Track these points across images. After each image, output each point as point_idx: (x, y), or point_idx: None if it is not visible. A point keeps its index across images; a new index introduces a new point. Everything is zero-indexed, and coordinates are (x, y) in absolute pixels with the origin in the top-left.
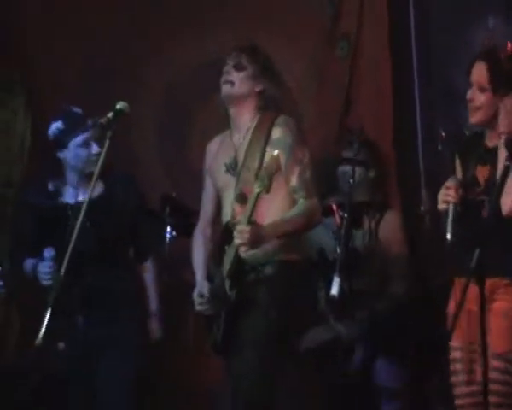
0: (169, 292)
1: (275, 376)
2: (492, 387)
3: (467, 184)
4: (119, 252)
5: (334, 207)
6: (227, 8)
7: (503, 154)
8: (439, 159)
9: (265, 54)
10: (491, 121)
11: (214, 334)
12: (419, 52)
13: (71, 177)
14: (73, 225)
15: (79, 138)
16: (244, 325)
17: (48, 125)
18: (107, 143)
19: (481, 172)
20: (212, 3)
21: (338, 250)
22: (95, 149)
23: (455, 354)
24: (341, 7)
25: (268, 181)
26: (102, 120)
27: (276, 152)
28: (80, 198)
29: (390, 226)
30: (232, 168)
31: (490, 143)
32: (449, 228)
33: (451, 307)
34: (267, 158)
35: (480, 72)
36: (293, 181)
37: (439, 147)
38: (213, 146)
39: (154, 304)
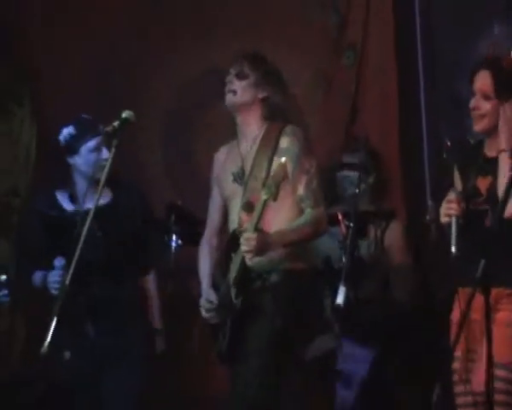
0: (174, 301)
1: (280, 384)
2: (497, 397)
3: (468, 195)
4: (126, 262)
5: (340, 217)
6: (233, 18)
7: (505, 163)
8: (445, 168)
9: (268, 60)
10: (496, 129)
11: (220, 343)
12: (425, 61)
13: (80, 184)
14: (81, 234)
15: (91, 143)
16: (249, 333)
17: (53, 135)
18: (112, 151)
19: (483, 183)
20: (218, 13)
21: (344, 259)
22: (105, 154)
23: (455, 365)
24: (347, 16)
25: (275, 189)
26: (108, 129)
27: (283, 159)
28: (89, 206)
29: (393, 235)
30: (239, 177)
31: (489, 152)
32: (453, 241)
33: (455, 314)
34: (274, 166)
35: (484, 80)
36: (301, 190)
37: (445, 156)
38: (221, 155)
39: (157, 315)
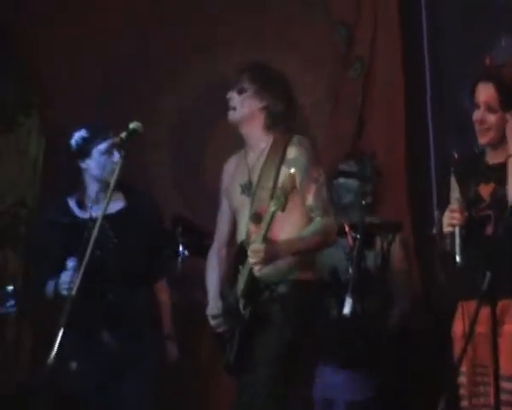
0: (179, 311)
1: (287, 394)
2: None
3: (469, 202)
4: (140, 269)
5: (347, 228)
6: (241, 32)
7: None
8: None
9: (269, 69)
10: (502, 140)
11: (227, 354)
12: (432, 74)
13: (92, 189)
14: (94, 240)
15: (102, 146)
16: (257, 344)
17: (59, 144)
18: (120, 162)
19: (485, 189)
20: (226, 26)
21: (350, 271)
22: (117, 157)
23: (461, 379)
24: (355, 29)
25: (284, 199)
26: (116, 140)
27: (292, 170)
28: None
29: (394, 246)
30: (247, 189)
31: (491, 160)
32: (457, 251)
33: (458, 329)
34: (283, 176)
35: (488, 92)
36: (310, 200)
37: (452, 168)
38: (230, 166)
39: (169, 324)
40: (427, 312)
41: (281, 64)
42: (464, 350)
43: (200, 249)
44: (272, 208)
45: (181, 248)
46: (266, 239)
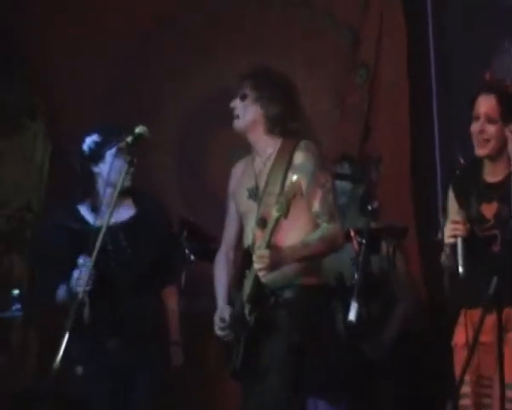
0: (187, 318)
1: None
2: None
3: (472, 221)
4: (151, 276)
5: (352, 234)
6: (246, 37)
7: None
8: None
9: (271, 74)
10: (501, 152)
11: (233, 360)
12: (438, 78)
13: (105, 193)
14: (105, 246)
15: (115, 148)
16: (264, 350)
17: (66, 148)
18: (126, 166)
19: (488, 209)
20: (231, 32)
21: (356, 276)
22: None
23: (464, 390)
24: (360, 35)
25: (286, 206)
26: (122, 145)
27: (294, 177)
28: (113, 220)
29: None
30: (254, 194)
31: (489, 178)
32: (460, 261)
33: (460, 338)
34: (288, 182)
35: (489, 103)
36: (316, 206)
37: (458, 173)
38: (237, 170)
39: (176, 330)
40: (431, 319)
41: (285, 69)
42: (468, 359)
43: (207, 253)
44: (275, 215)
45: (187, 253)
46: (270, 245)
